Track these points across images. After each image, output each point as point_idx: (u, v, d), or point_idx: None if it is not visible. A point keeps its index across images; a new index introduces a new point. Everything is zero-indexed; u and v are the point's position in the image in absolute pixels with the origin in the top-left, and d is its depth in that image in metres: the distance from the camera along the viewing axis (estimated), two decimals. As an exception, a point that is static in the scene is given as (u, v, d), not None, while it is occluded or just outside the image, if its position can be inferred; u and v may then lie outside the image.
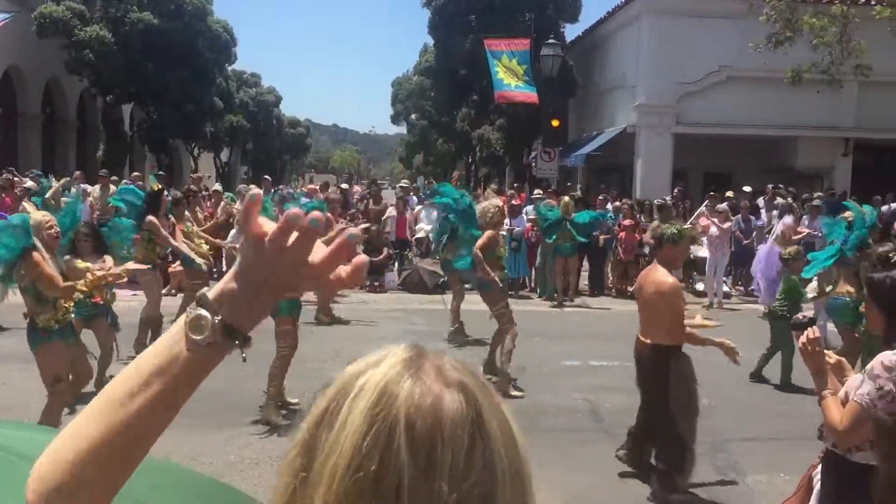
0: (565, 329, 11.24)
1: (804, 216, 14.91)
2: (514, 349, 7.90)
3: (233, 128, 35.84)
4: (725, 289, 14.38)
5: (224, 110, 31.66)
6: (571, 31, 27.39)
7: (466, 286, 10.16)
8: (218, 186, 17.73)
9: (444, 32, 27.23)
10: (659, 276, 5.41)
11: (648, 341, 5.45)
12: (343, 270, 0.91)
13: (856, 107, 20.03)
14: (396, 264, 15.08)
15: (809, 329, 3.22)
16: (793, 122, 19.94)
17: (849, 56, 17.08)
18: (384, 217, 15.54)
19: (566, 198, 14.16)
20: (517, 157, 26.32)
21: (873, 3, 17.74)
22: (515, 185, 20.30)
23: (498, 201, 9.33)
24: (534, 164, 20.90)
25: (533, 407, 7.44)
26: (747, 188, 17.06)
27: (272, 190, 17.13)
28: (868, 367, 3.05)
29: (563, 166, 22.15)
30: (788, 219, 14.10)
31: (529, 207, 15.12)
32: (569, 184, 22.24)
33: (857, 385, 3.04)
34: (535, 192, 16.31)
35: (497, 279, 8.09)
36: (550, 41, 19.20)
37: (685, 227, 5.93)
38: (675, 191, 18.15)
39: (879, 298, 3.36)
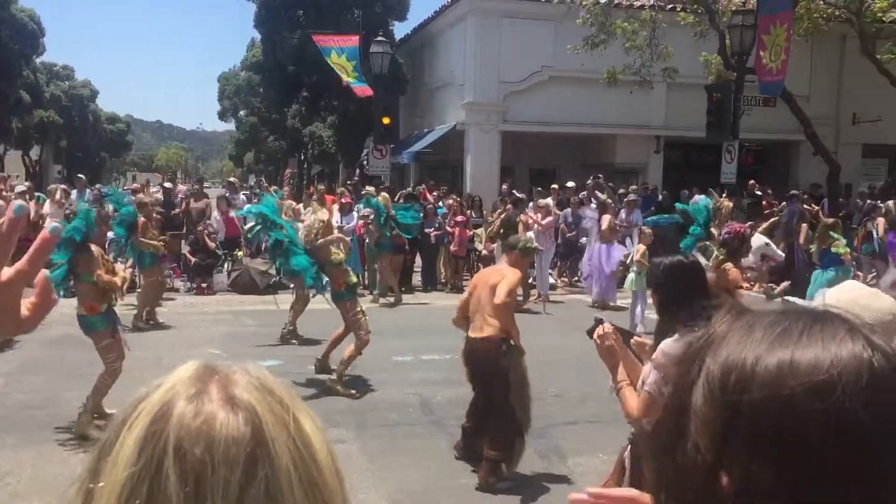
0: (398, 325, 11.28)
1: (621, 210, 15.74)
2: (357, 357, 7.82)
3: (43, 123, 33.42)
4: (551, 280, 14.96)
5: (32, 105, 29.42)
6: (400, 29, 27.58)
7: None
8: (22, 187, 16.48)
9: (271, 27, 26.64)
10: (504, 269, 5.62)
11: (482, 335, 5.54)
12: (28, 303, 0.87)
13: (665, 107, 21.44)
14: (226, 265, 14.60)
15: (600, 326, 3.36)
16: (610, 121, 21.05)
17: (657, 59, 18.27)
18: (207, 216, 15.01)
19: (384, 194, 14.24)
20: (350, 155, 26.22)
21: (678, 9, 19.04)
22: (348, 182, 20.19)
23: (322, 215, 9.12)
24: (365, 162, 20.91)
25: (365, 404, 7.42)
26: (571, 183, 17.83)
27: (87, 189, 16.12)
28: (654, 355, 3.20)
29: (395, 163, 22.26)
30: (607, 213, 14.84)
31: (360, 205, 15.08)
32: (384, 185, 22.38)
33: (647, 374, 3.20)
34: (366, 188, 16.29)
35: (348, 285, 7.99)
36: (379, 39, 19.21)
37: (525, 239, 6.13)
38: (503, 186, 18.68)
39: (653, 283, 3.59)
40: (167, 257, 13.16)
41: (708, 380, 0.74)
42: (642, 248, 10.91)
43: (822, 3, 18.97)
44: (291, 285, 14.28)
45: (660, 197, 18.80)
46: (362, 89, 19.38)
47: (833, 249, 10.88)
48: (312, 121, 27.28)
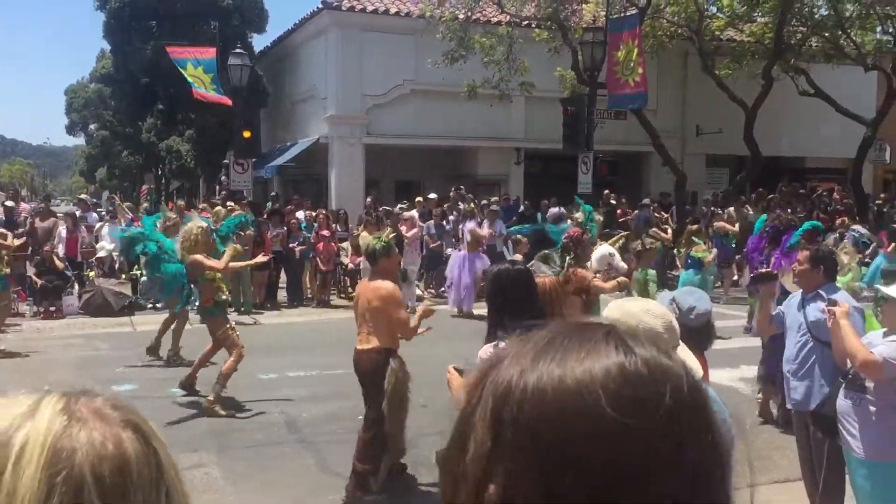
0: (263, 342, 11.03)
1: (484, 220, 16.03)
2: (234, 372, 7.59)
3: None
4: (418, 292, 15.05)
5: None
6: (259, 42, 27.11)
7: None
8: None
9: (121, 38, 25.54)
10: (378, 283, 5.57)
11: (367, 347, 5.54)
12: None
13: (524, 120, 22.05)
14: (76, 286, 13.83)
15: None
16: (472, 134, 21.43)
17: (515, 73, 18.80)
18: (54, 235, 14.19)
19: (217, 207, 13.97)
20: (210, 170, 25.46)
21: (533, 26, 19.67)
22: (213, 198, 19.61)
23: (202, 222, 8.83)
24: (224, 177, 20.38)
25: (228, 425, 7.21)
26: (433, 195, 18.03)
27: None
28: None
29: (257, 178, 21.82)
30: (471, 224, 15.06)
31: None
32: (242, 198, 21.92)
33: None
34: (228, 204, 15.85)
35: (219, 302, 7.75)
36: (237, 51, 18.78)
37: (389, 235, 6.11)
38: (368, 199, 18.68)
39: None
40: (11, 279, 12.33)
41: (485, 398, 0.75)
42: (519, 257, 11.23)
43: (665, 21, 20.13)
44: (159, 305, 13.76)
45: (521, 207, 19.29)
46: (219, 98, 18.85)
47: (693, 254, 11.57)
48: (169, 135, 26.33)
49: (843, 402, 4.39)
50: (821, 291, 4.86)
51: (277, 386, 8.51)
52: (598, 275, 6.94)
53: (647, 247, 10.99)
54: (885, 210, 18.82)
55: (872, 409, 4.24)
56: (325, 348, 10.26)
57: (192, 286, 7.79)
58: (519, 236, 12.95)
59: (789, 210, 18.22)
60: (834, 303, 4.49)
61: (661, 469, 0.70)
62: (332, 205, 19.58)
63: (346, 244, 15.88)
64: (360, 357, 5.62)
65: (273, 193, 19.94)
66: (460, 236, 15.04)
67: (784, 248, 8.05)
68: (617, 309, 2.59)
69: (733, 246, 14.81)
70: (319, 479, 5.89)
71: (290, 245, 14.66)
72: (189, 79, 18.82)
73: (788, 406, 5.11)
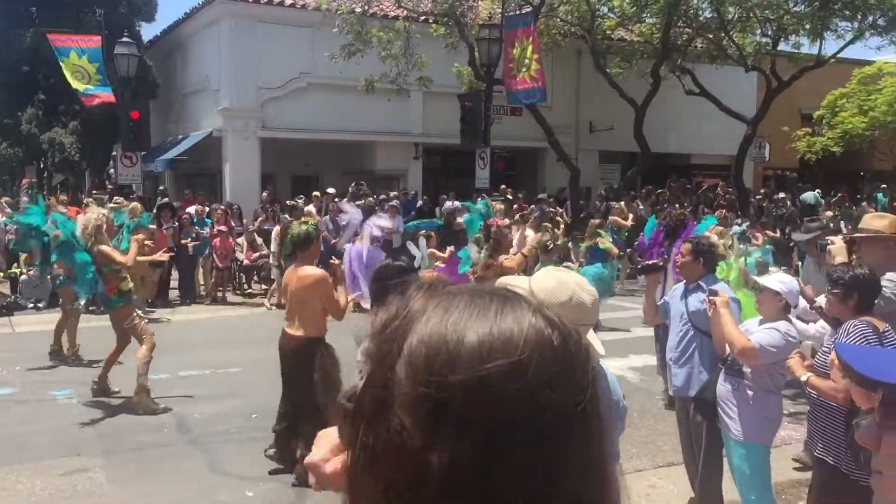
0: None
1: (385, 215, 16.00)
2: (151, 360, 7.38)
3: None
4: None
5: None
6: (149, 31, 26.19)
7: (80, 303, 9.13)
8: None
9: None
10: (305, 270, 5.63)
11: (296, 334, 5.60)
12: None
13: (422, 115, 22.07)
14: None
15: None
16: (370, 128, 21.31)
17: (413, 68, 18.81)
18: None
19: (134, 203, 13.50)
20: (96, 163, 24.41)
21: (431, 21, 19.73)
22: (95, 192, 18.77)
23: (102, 210, 8.47)
24: (113, 170, 19.62)
25: (115, 427, 6.95)
26: (331, 189, 17.86)
27: None
28: None
29: (147, 171, 21.10)
30: (376, 219, 14.98)
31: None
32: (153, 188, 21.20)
33: None
34: (115, 199, 15.25)
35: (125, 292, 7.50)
36: (125, 40, 18.07)
37: (310, 223, 6.06)
38: (264, 194, 18.34)
39: None
40: None
41: (412, 359, 0.74)
42: (433, 250, 11.32)
43: (558, 20, 20.56)
44: (41, 304, 13.11)
45: (419, 202, 19.34)
46: (103, 95, 18.11)
47: (601, 246, 11.90)
48: (52, 126, 25.04)
49: (722, 387, 4.60)
50: (701, 283, 5.06)
51: (168, 386, 8.24)
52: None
53: (555, 242, 11.22)
54: (763, 205, 19.78)
55: (749, 393, 4.46)
56: (218, 346, 10.04)
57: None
58: (430, 231, 13.02)
59: (677, 205, 18.95)
60: (714, 293, 4.68)
61: (573, 428, 0.73)
62: (226, 200, 19.11)
63: (241, 240, 15.56)
64: (287, 341, 5.68)
65: (162, 188, 19.30)
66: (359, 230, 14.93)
67: (685, 239, 8.38)
68: (551, 278, 2.62)
69: (625, 239, 15.29)
70: (210, 479, 5.75)
71: (182, 241, 14.24)
72: (68, 74, 17.98)
73: (670, 392, 5.31)
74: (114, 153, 20.11)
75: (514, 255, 7.68)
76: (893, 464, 0.87)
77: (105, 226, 7.66)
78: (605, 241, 12.08)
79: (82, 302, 8.94)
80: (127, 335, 7.59)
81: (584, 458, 0.75)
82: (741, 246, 7.97)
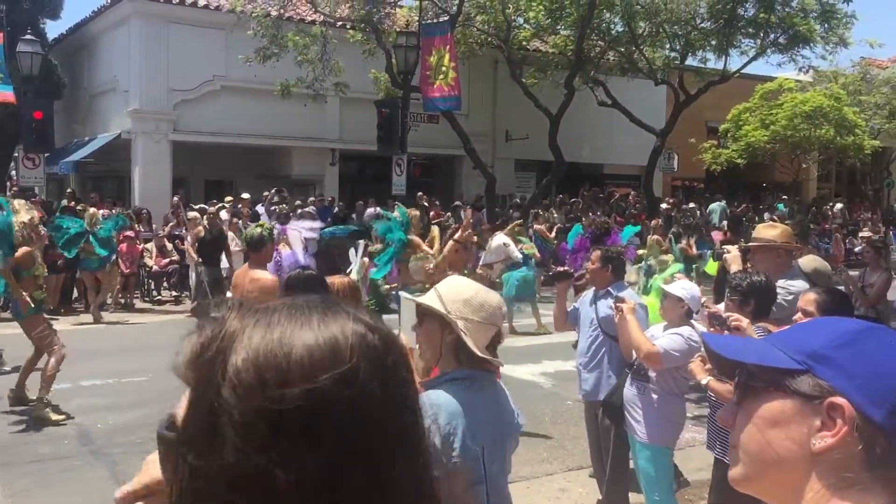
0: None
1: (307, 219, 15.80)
2: (57, 373, 7.13)
3: None
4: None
5: None
6: (54, 28, 25.23)
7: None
8: None
9: None
10: (257, 274, 5.46)
11: None
12: None
13: (339, 120, 21.92)
14: None
15: None
16: (286, 133, 21.03)
17: (329, 74, 18.69)
18: None
19: (91, 209, 13.11)
20: (-4, 164, 23.36)
21: (348, 27, 19.65)
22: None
23: (27, 215, 8.08)
24: (14, 173, 18.81)
25: (13, 438, 6.65)
26: (246, 195, 17.57)
27: None
28: None
29: (51, 174, 20.28)
30: (301, 223, 14.73)
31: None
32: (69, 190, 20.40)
33: None
34: (17, 202, 14.61)
35: (30, 301, 7.15)
36: (28, 37, 17.35)
37: (265, 227, 5.97)
38: (175, 199, 17.89)
39: None
40: None
41: (240, 379, 0.73)
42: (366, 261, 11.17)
43: (475, 29, 20.77)
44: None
45: (336, 208, 19.20)
46: (2, 96, 17.38)
47: (524, 251, 12.04)
48: (-53, 125, 23.87)
49: (628, 391, 4.72)
50: (610, 289, 5.19)
51: (70, 396, 7.93)
52: (493, 266, 7.09)
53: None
54: (672, 214, 20.40)
55: (654, 396, 4.59)
56: (124, 355, 9.73)
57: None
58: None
59: (591, 213, 19.37)
60: (621, 300, 4.80)
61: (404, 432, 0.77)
62: (135, 204, 18.55)
63: (150, 245, 15.13)
64: None
65: (69, 190, 18.58)
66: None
67: (595, 247, 8.60)
68: (457, 278, 2.72)
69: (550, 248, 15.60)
70: (113, 491, 5.55)
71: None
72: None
73: (579, 397, 5.41)
74: (15, 154, 19.28)
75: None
76: (743, 437, 0.97)
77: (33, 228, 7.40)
78: (529, 247, 12.27)
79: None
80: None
81: (415, 463, 0.78)
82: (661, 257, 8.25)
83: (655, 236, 12.88)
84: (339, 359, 0.74)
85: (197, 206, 15.81)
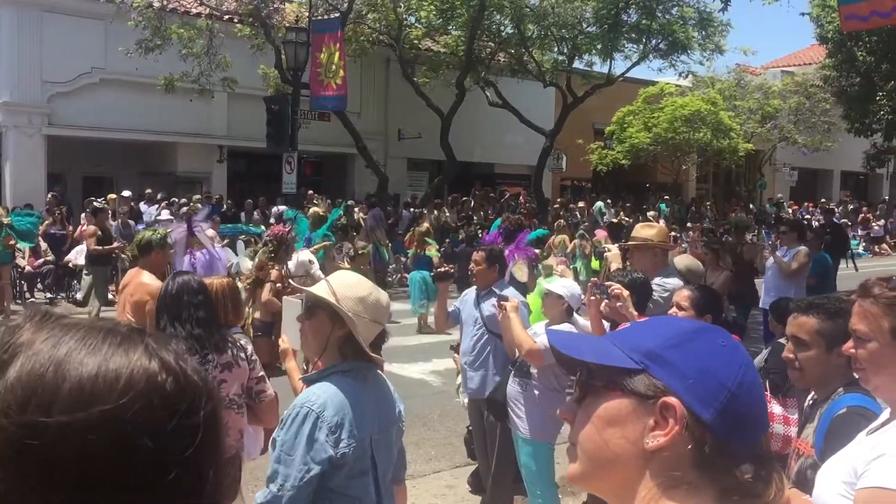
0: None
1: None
2: None
3: None
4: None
5: None
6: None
7: None
8: None
9: None
10: (147, 277, 5.36)
11: None
12: None
13: (227, 116, 21.36)
14: None
15: None
16: (170, 128, 20.34)
17: (216, 68, 18.19)
18: None
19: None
20: None
21: (235, 21, 19.19)
22: None
23: None
24: None
25: None
26: (127, 192, 16.92)
27: None
28: None
29: (-89, 169, 18.97)
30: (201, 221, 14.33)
31: None
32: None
33: None
34: None
35: None
36: None
37: (157, 232, 5.82)
38: (50, 196, 17.03)
39: None
40: None
41: (5, 395, 0.69)
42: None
43: (367, 27, 20.68)
44: None
45: (224, 206, 18.74)
46: None
47: (428, 254, 12.05)
48: None
49: (511, 388, 4.80)
50: (494, 288, 5.25)
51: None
52: (292, 280, 6.95)
53: (360, 251, 11.39)
54: (560, 213, 20.89)
55: (536, 392, 4.68)
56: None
57: None
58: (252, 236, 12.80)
59: (482, 213, 19.63)
60: (505, 298, 4.87)
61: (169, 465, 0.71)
62: (6, 201, 17.55)
63: (23, 245, 14.32)
64: None
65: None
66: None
67: (520, 243, 8.74)
68: (351, 276, 2.71)
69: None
70: None
71: None
72: None
73: (465, 395, 5.46)
74: None
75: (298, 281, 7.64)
76: (582, 435, 0.99)
77: None
78: (433, 249, 12.35)
79: None
80: None
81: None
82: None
83: (562, 236, 13.24)
84: (110, 395, 0.70)
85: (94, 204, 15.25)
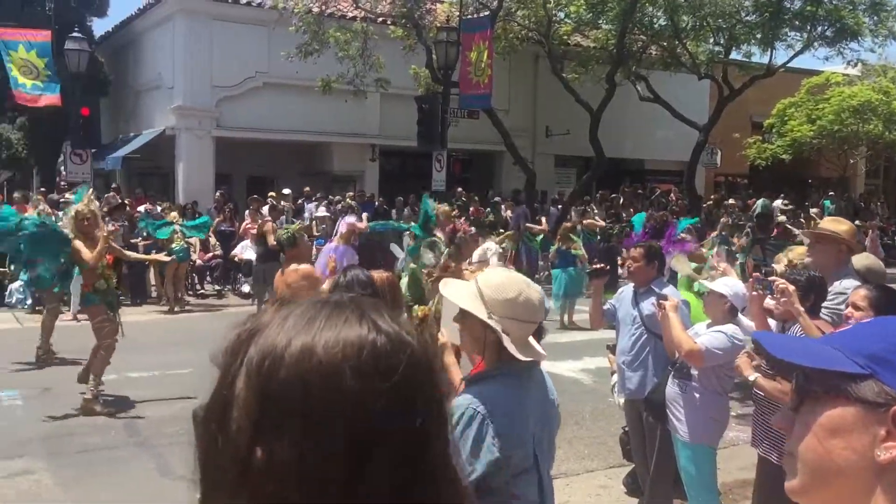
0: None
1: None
2: (107, 365, 7.38)
3: None
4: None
5: None
6: (100, 26, 25.62)
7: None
8: None
9: (-57, 15, 23.50)
10: (291, 267, 5.72)
11: None
12: None
13: (379, 116, 21.98)
14: None
15: None
16: (326, 129, 21.18)
17: (370, 69, 18.75)
18: None
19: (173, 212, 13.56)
20: (45, 160, 23.87)
21: (389, 22, 19.70)
22: (42, 189, 18.34)
23: (76, 208, 8.28)
24: (63, 168, 19.20)
25: (60, 428, 6.80)
26: (287, 190, 17.73)
27: None
28: None
29: (98, 169, 20.66)
30: (351, 218, 14.85)
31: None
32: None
33: None
34: (65, 196, 14.92)
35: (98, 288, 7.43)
36: (75, 35, 17.70)
37: (294, 228, 6.28)
38: (218, 194, 18.11)
39: None
40: None
41: (248, 366, 0.81)
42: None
43: (516, 24, 20.68)
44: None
45: (375, 203, 19.29)
46: (48, 98, 17.77)
47: (572, 251, 12.04)
48: (-2, 122, 24.47)
49: (671, 389, 4.67)
50: (653, 286, 5.13)
51: (117, 387, 8.08)
52: (468, 267, 7.09)
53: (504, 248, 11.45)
54: (712, 211, 20.12)
55: (696, 395, 4.53)
56: (170, 347, 9.88)
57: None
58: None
59: (632, 210, 19.20)
60: (664, 297, 4.75)
61: (397, 431, 0.80)
62: (179, 199, 18.83)
63: (193, 240, 15.30)
64: None
65: (114, 185, 18.92)
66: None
67: (670, 238, 8.56)
68: (499, 275, 2.69)
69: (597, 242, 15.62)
70: (160, 483, 5.65)
71: (133, 240, 13.98)
72: (14, 71, 17.56)
73: (623, 395, 5.36)
74: (64, 150, 19.68)
75: (474, 267, 7.71)
76: (802, 446, 0.92)
77: (87, 221, 7.51)
78: (577, 247, 12.26)
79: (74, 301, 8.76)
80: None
81: (408, 463, 0.80)
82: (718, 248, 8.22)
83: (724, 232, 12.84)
84: (326, 354, 0.80)
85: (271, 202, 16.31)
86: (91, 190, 9.24)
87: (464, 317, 2.55)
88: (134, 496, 5.45)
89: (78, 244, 7.37)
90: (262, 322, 0.85)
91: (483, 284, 2.53)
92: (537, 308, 2.54)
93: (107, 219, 11.30)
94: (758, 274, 4.45)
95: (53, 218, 8.99)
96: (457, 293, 2.61)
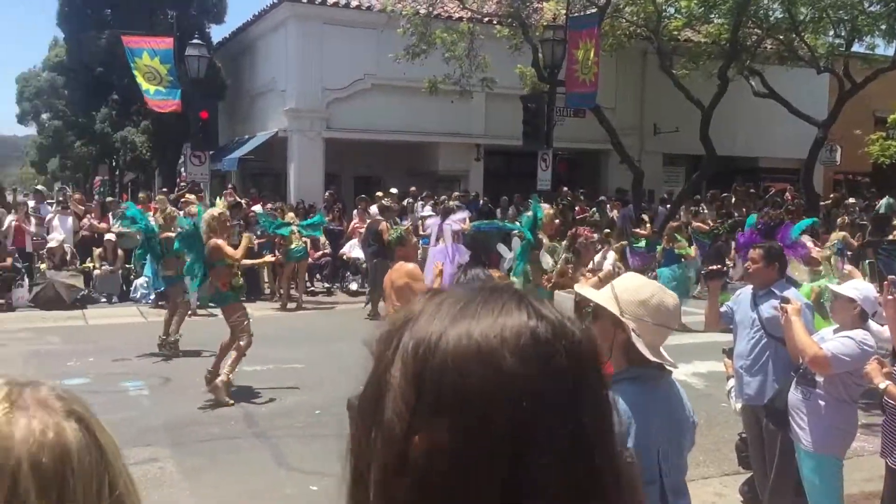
0: (219, 337, 10.88)
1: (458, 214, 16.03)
2: (240, 360, 7.73)
3: None
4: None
5: None
6: (218, 32, 26.78)
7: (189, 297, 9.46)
8: None
9: (76, 26, 24.98)
10: (399, 264, 6.13)
11: None
12: None
13: (484, 116, 22.04)
14: (26, 279, 13.52)
15: None
16: (432, 129, 21.39)
17: (476, 69, 18.81)
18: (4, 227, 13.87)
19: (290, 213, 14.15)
20: (166, 162, 25.08)
21: (495, 22, 19.71)
22: (164, 189, 19.27)
23: (217, 208, 8.71)
24: (183, 169, 20.11)
25: (183, 418, 7.12)
26: (394, 190, 18.00)
27: None
28: None
29: (215, 170, 21.55)
30: (459, 215, 15.01)
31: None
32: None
33: None
34: (188, 195, 15.63)
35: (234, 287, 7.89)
36: (195, 41, 18.52)
37: (402, 228, 6.61)
38: (327, 194, 18.57)
39: None
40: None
41: (402, 353, 0.81)
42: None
43: (624, 21, 20.32)
44: (113, 298, 13.60)
45: (480, 203, 19.35)
46: (169, 103, 18.62)
47: (677, 251, 11.79)
48: (124, 125, 25.84)
49: (793, 396, 4.49)
50: (773, 289, 4.95)
51: (235, 379, 8.41)
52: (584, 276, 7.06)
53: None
54: (831, 211, 19.22)
55: (821, 402, 4.34)
56: (282, 343, 10.20)
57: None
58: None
59: (744, 210, 18.57)
60: (787, 300, 4.58)
61: (559, 422, 0.78)
62: (290, 199, 19.42)
63: (305, 239, 15.73)
64: None
65: (231, 185, 19.68)
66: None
67: (785, 240, 8.26)
68: (635, 278, 2.69)
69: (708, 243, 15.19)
70: (276, 473, 5.85)
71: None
72: (139, 76, 18.48)
73: (740, 401, 5.19)
74: (184, 151, 20.63)
75: (590, 275, 7.63)
76: None
77: (219, 223, 7.89)
78: (683, 247, 11.98)
79: (193, 296, 9.19)
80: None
81: (567, 453, 0.78)
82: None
83: (842, 233, 12.24)
84: (484, 339, 0.79)
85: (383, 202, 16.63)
86: (232, 186, 9.78)
87: (595, 318, 2.54)
88: (253, 486, 5.66)
89: (221, 242, 7.74)
90: (415, 310, 0.85)
91: (618, 286, 2.52)
92: (671, 313, 2.50)
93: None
94: (894, 277, 4.24)
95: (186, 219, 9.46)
96: (591, 291, 2.64)
